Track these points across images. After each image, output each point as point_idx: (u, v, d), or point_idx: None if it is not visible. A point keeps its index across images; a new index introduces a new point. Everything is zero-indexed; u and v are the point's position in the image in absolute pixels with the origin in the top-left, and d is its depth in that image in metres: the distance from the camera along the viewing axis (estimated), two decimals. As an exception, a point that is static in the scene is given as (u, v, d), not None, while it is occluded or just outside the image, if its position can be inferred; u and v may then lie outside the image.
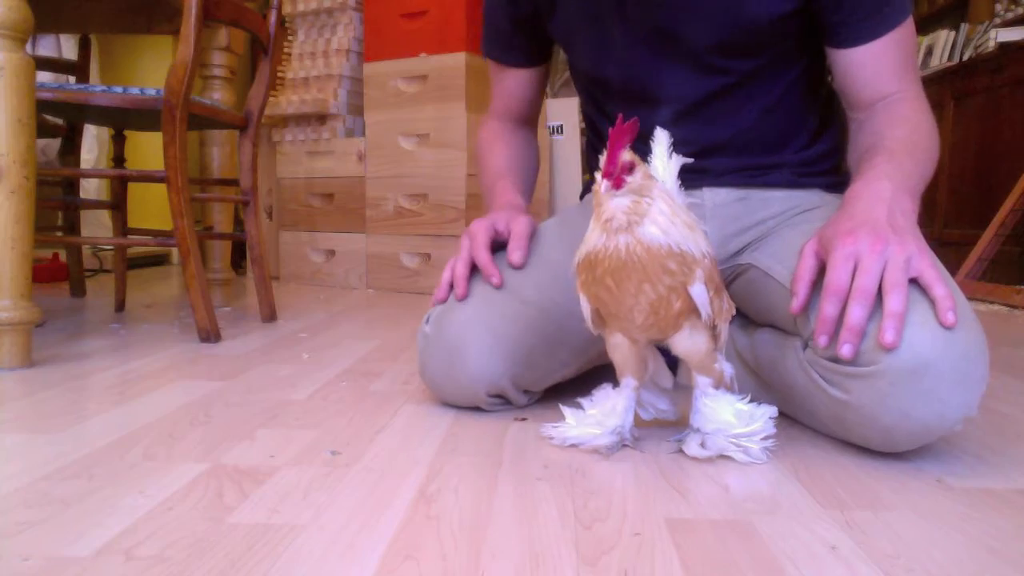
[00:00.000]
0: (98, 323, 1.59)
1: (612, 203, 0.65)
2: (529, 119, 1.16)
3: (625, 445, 0.77)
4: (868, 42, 0.85)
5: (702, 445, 0.74)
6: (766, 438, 0.74)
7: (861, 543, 0.56)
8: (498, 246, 0.92)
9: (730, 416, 0.74)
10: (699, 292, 0.68)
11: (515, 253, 0.89)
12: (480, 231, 0.90)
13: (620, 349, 0.76)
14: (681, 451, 0.76)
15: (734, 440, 0.73)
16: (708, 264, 0.69)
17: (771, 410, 0.75)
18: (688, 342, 0.72)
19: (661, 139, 0.77)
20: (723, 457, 0.74)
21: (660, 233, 0.65)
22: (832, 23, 0.86)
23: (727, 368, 0.75)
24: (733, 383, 0.76)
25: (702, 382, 0.74)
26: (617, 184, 0.65)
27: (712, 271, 0.70)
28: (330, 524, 0.58)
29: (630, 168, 0.65)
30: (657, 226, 0.65)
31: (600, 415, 0.77)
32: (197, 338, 1.37)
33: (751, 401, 0.75)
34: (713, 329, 0.72)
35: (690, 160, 0.76)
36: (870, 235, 0.69)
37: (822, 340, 0.71)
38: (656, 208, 0.65)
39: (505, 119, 1.14)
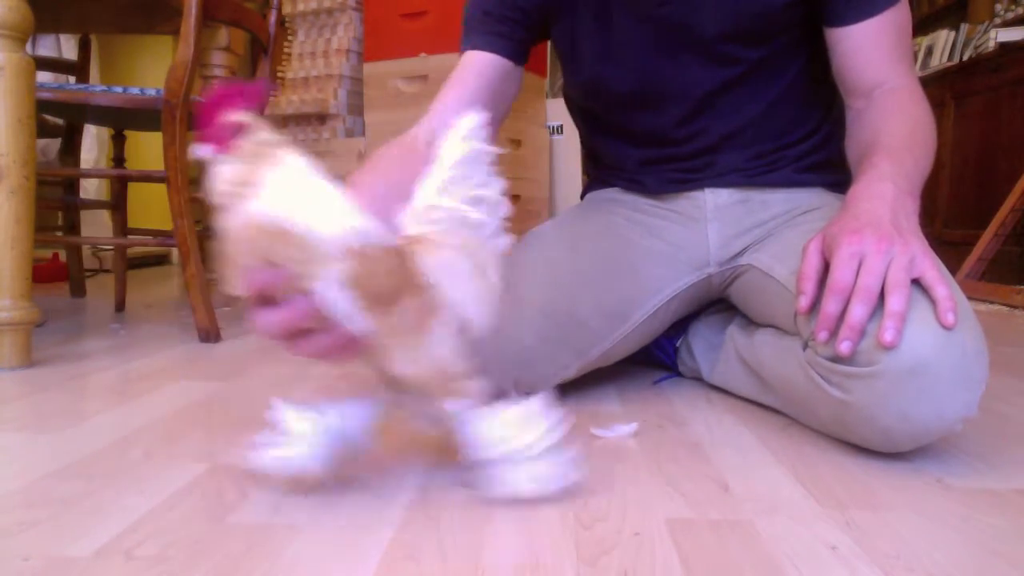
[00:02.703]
0: (98, 323, 1.59)
1: (217, 171, 0.53)
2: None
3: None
4: (864, 19, 0.86)
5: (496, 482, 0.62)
6: (554, 449, 0.62)
7: (861, 543, 0.56)
8: None
9: (501, 431, 0.61)
10: (326, 291, 0.54)
11: None
12: None
13: None
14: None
15: (523, 461, 0.61)
16: (358, 262, 0.54)
17: (543, 401, 0.62)
18: (411, 359, 0.57)
19: (464, 123, 0.62)
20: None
21: (268, 208, 0.52)
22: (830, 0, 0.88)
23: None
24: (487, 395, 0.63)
25: (457, 407, 0.61)
26: (221, 147, 0.53)
27: (380, 274, 0.55)
28: (330, 524, 0.58)
29: (238, 130, 0.53)
30: (268, 200, 0.53)
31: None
32: (197, 338, 1.37)
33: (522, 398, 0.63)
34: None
35: (487, 148, 0.63)
36: (875, 234, 0.69)
37: (822, 336, 0.71)
38: (275, 177, 0.53)
39: (442, 122, 0.82)
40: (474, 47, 0.96)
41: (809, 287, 0.74)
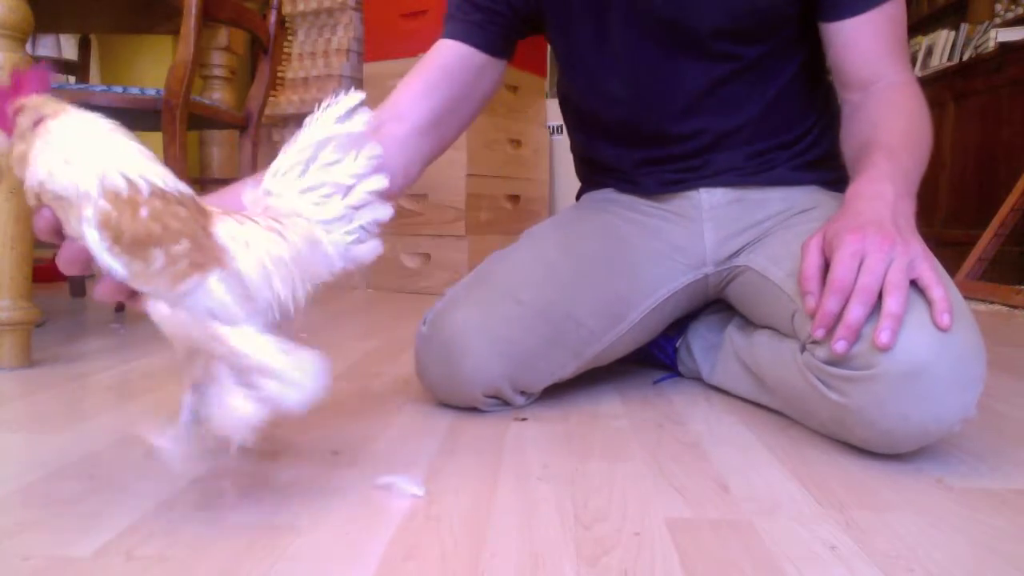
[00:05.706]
0: (98, 323, 1.59)
1: (9, 154, 0.57)
2: (434, 123, 0.89)
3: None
4: (860, 14, 0.86)
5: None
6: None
7: (861, 543, 0.56)
8: None
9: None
10: (79, 230, 0.54)
11: None
12: None
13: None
14: None
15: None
16: (110, 204, 0.54)
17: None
18: (154, 311, 0.56)
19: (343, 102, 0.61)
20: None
21: (32, 172, 0.55)
22: None
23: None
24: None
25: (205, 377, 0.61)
26: (7, 131, 0.57)
27: (132, 217, 0.54)
28: (330, 524, 0.58)
29: (19, 111, 0.56)
30: (36, 165, 0.55)
31: None
32: (197, 338, 1.37)
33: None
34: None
35: (365, 114, 0.61)
36: (877, 234, 0.69)
37: (819, 332, 0.71)
38: (35, 148, 0.55)
39: (393, 113, 0.86)
40: (448, 35, 0.95)
41: (813, 286, 0.73)
